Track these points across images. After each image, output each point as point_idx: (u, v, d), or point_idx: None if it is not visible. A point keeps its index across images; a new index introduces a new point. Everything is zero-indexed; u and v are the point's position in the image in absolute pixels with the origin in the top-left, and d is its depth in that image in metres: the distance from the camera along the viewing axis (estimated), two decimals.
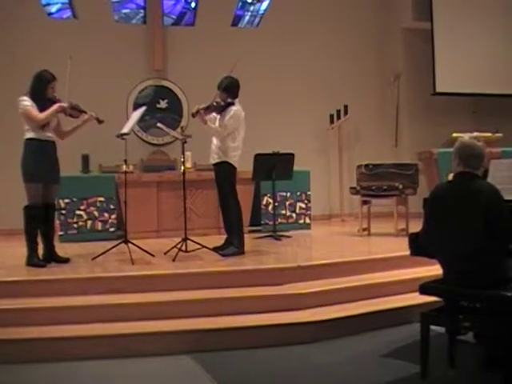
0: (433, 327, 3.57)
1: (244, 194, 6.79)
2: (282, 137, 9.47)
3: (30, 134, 5.37)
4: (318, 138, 10.56)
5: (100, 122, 5.74)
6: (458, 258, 3.42)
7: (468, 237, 3.35)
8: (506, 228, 3.34)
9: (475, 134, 7.59)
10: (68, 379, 3.79)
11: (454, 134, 7.93)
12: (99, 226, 7.61)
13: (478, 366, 3.64)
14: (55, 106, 5.39)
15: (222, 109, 5.91)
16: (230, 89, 5.90)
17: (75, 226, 7.51)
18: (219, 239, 6.33)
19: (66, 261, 5.64)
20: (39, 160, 5.34)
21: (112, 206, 7.65)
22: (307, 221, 8.51)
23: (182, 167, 6.13)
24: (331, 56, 10.64)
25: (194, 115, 5.87)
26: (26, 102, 5.34)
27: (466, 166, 3.50)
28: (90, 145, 8.26)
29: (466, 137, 3.67)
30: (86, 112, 5.67)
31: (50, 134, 5.49)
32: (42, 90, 5.40)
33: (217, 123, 5.95)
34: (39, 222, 5.47)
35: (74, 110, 5.60)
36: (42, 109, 5.36)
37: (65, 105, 5.45)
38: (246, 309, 4.60)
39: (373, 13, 10.94)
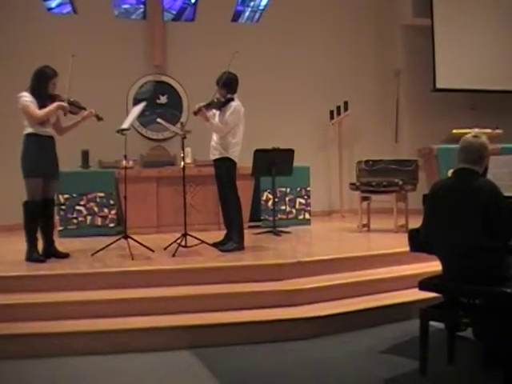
0: (432, 323, 3.57)
1: (244, 190, 6.79)
2: (282, 132, 9.46)
3: (29, 130, 5.36)
4: (318, 134, 10.55)
5: (99, 119, 5.74)
6: (456, 255, 3.42)
7: (467, 234, 3.35)
8: (505, 226, 3.34)
9: (476, 130, 7.59)
10: (68, 374, 3.79)
11: (454, 131, 7.94)
12: (99, 221, 7.62)
13: (477, 363, 3.64)
14: (55, 105, 5.38)
15: (221, 105, 5.91)
16: (229, 84, 5.89)
17: (75, 221, 7.53)
18: (219, 235, 6.33)
19: (65, 256, 5.65)
20: (39, 155, 5.34)
21: (112, 202, 7.66)
22: (307, 216, 8.52)
23: (182, 163, 6.13)
24: (331, 52, 10.62)
25: (195, 113, 5.86)
26: (26, 97, 5.33)
27: (465, 162, 3.51)
28: (90, 140, 8.25)
29: (470, 134, 3.66)
30: (85, 109, 5.66)
31: (49, 130, 5.49)
32: (43, 86, 5.40)
33: (216, 119, 5.94)
34: (39, 217, 5.47)
35: (74, 107, 5.59)
36: (42, 105, 5.36)
37: (65, 104, 5.44)
38: (246, 304, 4.60)
39: (373, 9, 10.92)
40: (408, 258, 5.23)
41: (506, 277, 3.36)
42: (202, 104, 5.82)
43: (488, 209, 3.30)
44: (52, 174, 5.53)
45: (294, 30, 10.39)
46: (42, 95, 5.38)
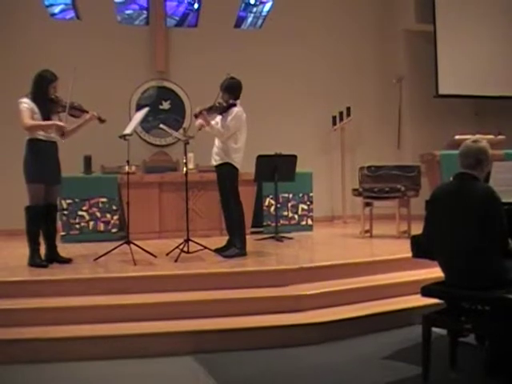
0: (434, 329, 3.57)
1: (246, 196, 6.79)
2: (285, 138, 9.47)
3: (31, 135, 5.37)
4: (320, 140, 10.57)
5: (102, 121, 5.74)
6: (455, 259, 3.42)
7: (464, 238, 3.35)
8: (499, 229, 3.32)
9: (477, 136, 7.58)
10: (70, 379, 3.79)
11: (457, 136, 7.93)
12: (101, 226, 7.62)
13: (480, 369, 3.62)
14: (50, 122, 5.40)
15: (223, 110, 5.91)
16: (232, 90, 5.90)
17: (77, 226, 7.53)
18: (221, 240, 6.33)
19: (67, 261, 5.65)
20: (41, 160, 5.35)
21: (114, 207, 7.67)
22: (309, 222, 8.52)
23: (185, 168, 6.13)
24: (334, 58, 10.64)
25: (196, 116, 5.87)
26: (24, 104, 5.34)
27: (463, 167, 3.52)
28: (93, 146, 8.26)
29: (469, 140, 3.66)
30: (87, 111, 5.67)
31: (52, 135, 5.49)
32: (43, 90, 5.41)
33: (219, 124, 5.95)
34: (41, 222, 5.47)
35: (76, 110, 5.60)
36: (43, 109, 5.38)
37: (61, 124, 5.43)
38: (248, 310, 4.60)
39: (375, 15, 10.95)
40: (410, 264, 5.20)
41: (505, 281, 3.35)
42: (203, 107, 5.83)
43: (484, 213, 3.29)
44: (54, 180, 5.53)
45: (297, 36, 10.42)
46: (43, 99, 5.39)
